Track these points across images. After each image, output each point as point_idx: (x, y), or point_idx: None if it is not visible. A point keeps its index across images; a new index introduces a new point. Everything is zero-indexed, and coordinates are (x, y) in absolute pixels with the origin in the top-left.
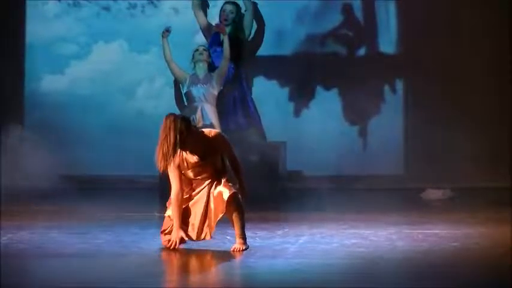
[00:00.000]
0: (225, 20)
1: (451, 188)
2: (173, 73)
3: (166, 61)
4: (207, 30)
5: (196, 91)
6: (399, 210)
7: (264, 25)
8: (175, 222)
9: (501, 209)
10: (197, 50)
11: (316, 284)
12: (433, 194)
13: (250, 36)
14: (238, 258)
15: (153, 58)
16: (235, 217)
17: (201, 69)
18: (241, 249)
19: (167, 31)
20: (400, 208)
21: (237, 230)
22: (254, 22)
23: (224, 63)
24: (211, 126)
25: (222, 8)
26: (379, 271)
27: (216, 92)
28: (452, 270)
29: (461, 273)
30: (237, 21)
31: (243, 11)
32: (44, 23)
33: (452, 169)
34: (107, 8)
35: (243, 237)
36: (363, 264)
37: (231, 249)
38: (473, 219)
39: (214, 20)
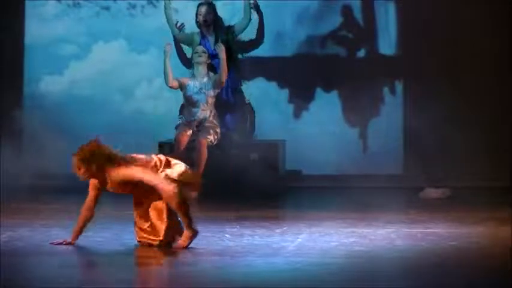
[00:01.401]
0: (205, 21)
1: (450, 187)
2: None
3: (169, 86)
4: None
5: (197, 96)
6: (398, 209)
7: (263, 26)
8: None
9: (500, 208)
10: (196, 52)
11: (314, 282)
12: (432, 193)
13: (247, 37)
14: (238, 256)
15: (152, 58)
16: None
17: (201, 72)
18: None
19: (169, 46)
20: (399, 207)
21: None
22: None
23: (222, 78)
24: (211, 128)
25: (197, 11)
26: (378, 270)
27: (214, 95)
28: (451, 269)
29: (460, 272)
30: (218, 22)
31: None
32: (43, 23)
33: (452, 169)
34: (106, 8)
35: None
36: (362, 262)
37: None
38: (472, 219)
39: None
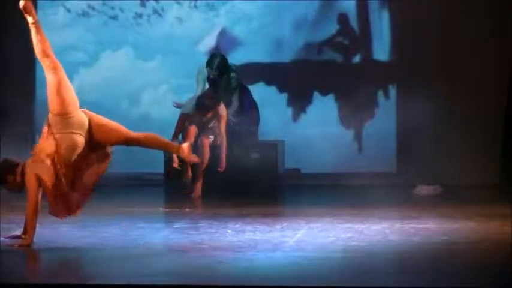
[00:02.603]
0: (214, 79)
1: (442, 185)
2: None
3: None
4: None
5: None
6: (392, 206)
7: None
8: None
9: (489, 205)
10: (205, 116)
11: (313, 276)
12: (424, 190)
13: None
14: (240, 251)
15: (157, 65)
16: None
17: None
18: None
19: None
20: (392, 204)
21: None
22: None
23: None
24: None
25: (207, 64)
26: (373, 263)
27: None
28: (442, 262)
29: (450, 264)
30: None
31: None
32: (54, 32)
33: (443, 168)
34: (114, 18)
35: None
36: (358, 257)
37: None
38: (462, 215)
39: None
